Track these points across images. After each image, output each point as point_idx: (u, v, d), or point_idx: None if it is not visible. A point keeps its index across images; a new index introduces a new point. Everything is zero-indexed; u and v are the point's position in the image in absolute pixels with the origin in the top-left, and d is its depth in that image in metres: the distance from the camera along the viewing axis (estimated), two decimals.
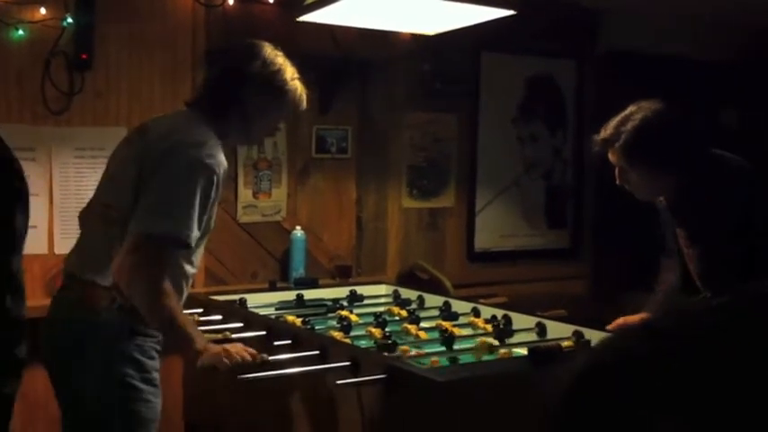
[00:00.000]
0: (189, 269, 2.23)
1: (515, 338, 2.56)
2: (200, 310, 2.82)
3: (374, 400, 1.98)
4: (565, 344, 2.27)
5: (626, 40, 4.46)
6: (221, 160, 2.11)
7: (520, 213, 4.44)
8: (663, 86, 4.64)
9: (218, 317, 2.77)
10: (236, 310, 2.82)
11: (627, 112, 2.45)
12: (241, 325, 2.60)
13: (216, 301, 2.97)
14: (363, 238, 4.01)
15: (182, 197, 2.04)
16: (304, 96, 2.31)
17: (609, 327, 2.64)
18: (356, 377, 2.02)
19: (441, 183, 4.22)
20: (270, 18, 3.67)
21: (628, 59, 4.56)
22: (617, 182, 2.49)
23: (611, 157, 2.47)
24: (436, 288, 3.49)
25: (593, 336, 2.32)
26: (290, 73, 2.27)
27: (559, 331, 2.50)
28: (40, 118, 3.23)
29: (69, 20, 3.20)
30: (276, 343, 2.36)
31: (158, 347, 2.24)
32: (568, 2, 4.31)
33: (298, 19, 2.72)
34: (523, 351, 2.20)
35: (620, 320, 2.67)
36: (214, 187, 2.09)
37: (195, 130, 2.14)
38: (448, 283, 3.68)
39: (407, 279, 3.84)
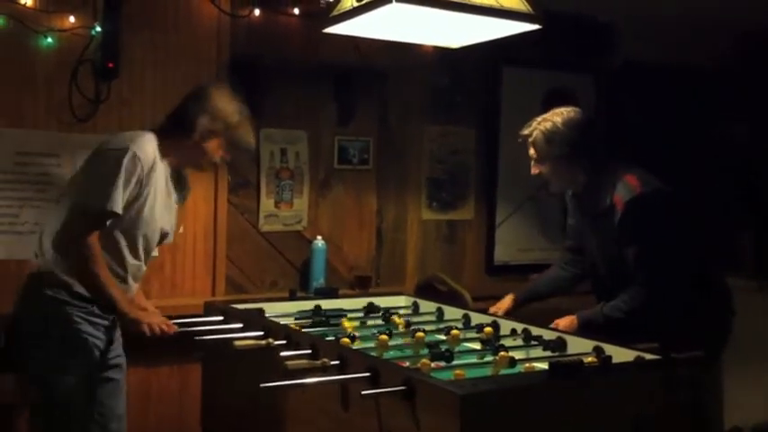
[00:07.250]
0: (130, 259, 2.59)
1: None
2: (221, 318, 2.83)
3: (393, 412, 1.99)
4: (587, 359, 2.26)
5: (642, 53, 4.46)
6: (147, 150, 2.51)
7: (537, 227, 4.44)
8: (678, 99, 4.67)
9: (239, 325, 2.78)
10: (257, 319, 2.82)
11: (547, 114, 2.87)
12: (261, 333, 2.61)
13: (235, 309, 2.98)
14: (383, 249, 4.02)
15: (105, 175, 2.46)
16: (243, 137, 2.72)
17: (491, 310, 3.04)
18: (375, 388, 2.03)
19: (460, 195, 4.23)
20: (294, 29, 3.70)
21: (644, 72, 4.56)
22: (531, 172, 2.89)
23: (529, 150, 2.86)
24: (454, 300, 3.48)
25: (613, 351, 2.31)
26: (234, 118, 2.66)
27: (579, 346, 2.50)
28: (65, 125, 3.28)
29: (98, 28, 3.24)
30: (295, 352, 2.36)
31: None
32: (585, 16, 4.33)
33: (323, 31, 2.73)
34: (544, 366, 2.20)
35: (493, 308, 3.06)
36: (132, 165, 2.47)
37: (130, 134, 2.59)
38: (467, 296, 3.68)
39: (425, 290, 3.85)
